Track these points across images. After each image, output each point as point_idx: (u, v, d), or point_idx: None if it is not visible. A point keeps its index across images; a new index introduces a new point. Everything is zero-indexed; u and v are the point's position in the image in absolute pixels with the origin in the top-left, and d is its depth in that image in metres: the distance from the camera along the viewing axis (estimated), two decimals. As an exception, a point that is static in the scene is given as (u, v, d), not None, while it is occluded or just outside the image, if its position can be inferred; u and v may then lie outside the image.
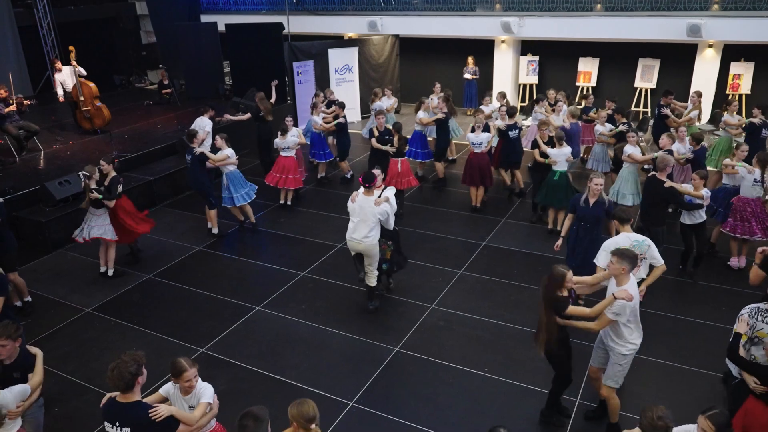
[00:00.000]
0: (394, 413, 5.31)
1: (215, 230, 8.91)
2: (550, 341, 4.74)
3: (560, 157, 8.41)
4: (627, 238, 5.55)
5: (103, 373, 5.76)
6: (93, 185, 7.30)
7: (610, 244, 5.45)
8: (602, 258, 5.48)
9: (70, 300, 7.26)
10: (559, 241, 6.86)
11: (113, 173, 7.48)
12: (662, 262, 5.57)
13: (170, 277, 7.81)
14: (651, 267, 5.73)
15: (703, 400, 4.92)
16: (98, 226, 7.48)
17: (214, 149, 8.78)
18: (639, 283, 5.46)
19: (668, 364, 5.88)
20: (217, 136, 8.65)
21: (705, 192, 7.09)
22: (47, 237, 8.48)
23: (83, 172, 7.50)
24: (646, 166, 8.54)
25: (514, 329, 6.49)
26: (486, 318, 6.75)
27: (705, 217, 7.27)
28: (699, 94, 10.66)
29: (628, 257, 4.54)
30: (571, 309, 4.62)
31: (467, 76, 15.78)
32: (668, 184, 6.91)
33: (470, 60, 15.74)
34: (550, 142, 8.61)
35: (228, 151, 8.54)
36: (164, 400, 4.01)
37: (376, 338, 6.40)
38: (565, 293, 4.69)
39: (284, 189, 9.84)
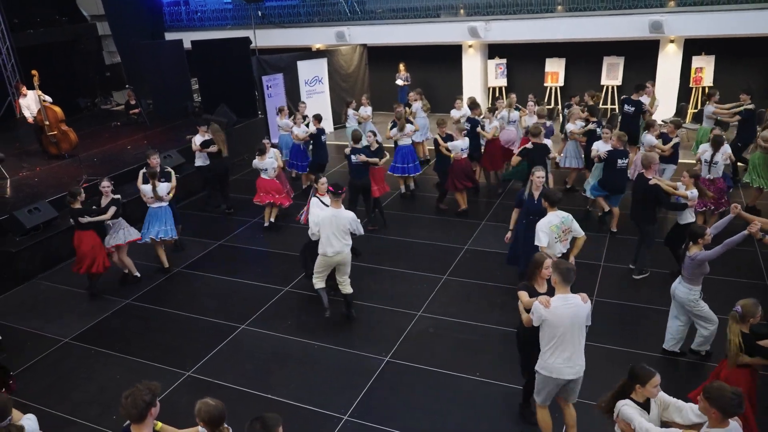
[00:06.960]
0: (390, 424, 5.24)
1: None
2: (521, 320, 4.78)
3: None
4: (556, 216, 5.98)
5: (88, 403, 5.67)
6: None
7: (543, 224, 5.91)
8: (543, 238, 5.88)
9: (46, 331, 7.03)
10: (509, 234, 7.17)
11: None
12: (583, 233, 6.05)
13: (150, 300, 7.63)
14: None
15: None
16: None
17: None
18: (566, 255, 5.92)
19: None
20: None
21: (690, 193, 6.80)
22: (19, 267, 8.20)
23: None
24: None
25: (502, 331, 6.48)
26: (473, 322, 6.74)
27: (693, 219, 6.96)
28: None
29: (558, 269, 4.32)
30: (519, 293, 4.71)
31: (399, 82, 15.88)
32: (653, 181, 6.95)
33: (402, 66, 15.87)
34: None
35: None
36: None
37: (366, 349, 6.34)
38: (544, 285, 4.69)
39: (268, 209, 9.64)
